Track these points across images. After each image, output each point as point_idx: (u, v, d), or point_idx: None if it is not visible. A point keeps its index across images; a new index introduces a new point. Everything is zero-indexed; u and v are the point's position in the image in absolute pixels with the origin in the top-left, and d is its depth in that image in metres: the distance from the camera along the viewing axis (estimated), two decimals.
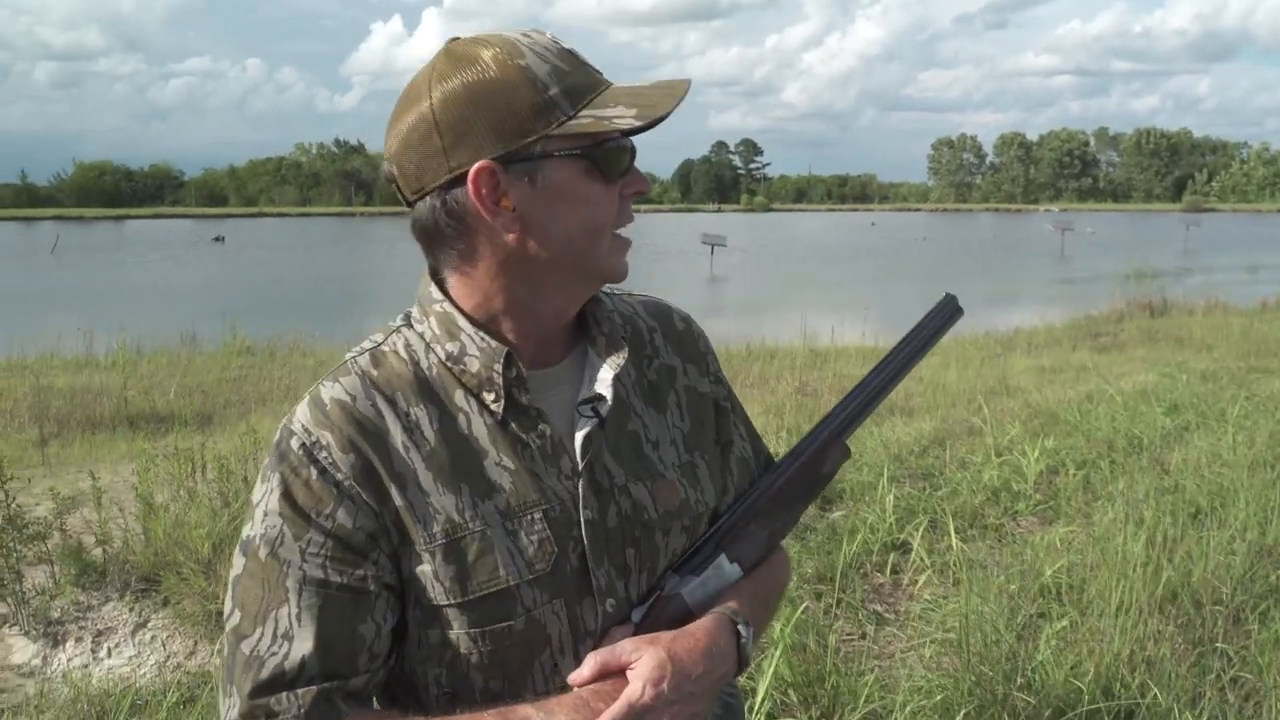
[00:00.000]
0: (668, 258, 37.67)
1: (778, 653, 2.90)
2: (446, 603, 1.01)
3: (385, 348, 1.09)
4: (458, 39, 1.06)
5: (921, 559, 4.10)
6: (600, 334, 1.14)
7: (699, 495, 1.16)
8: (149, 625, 3.99)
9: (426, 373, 1.07)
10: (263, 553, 1.00)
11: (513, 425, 1.06)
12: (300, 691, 0.97)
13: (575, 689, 1.01)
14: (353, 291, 26.18)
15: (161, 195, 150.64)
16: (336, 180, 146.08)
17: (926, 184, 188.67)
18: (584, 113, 1.01)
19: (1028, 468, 5.37)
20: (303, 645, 0.97)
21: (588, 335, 1.15)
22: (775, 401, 7.97)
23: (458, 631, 1.02)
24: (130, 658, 3.84)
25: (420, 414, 1.05)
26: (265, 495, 1.02)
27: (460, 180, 1.01)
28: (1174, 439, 6.20)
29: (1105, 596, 3.47)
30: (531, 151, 1.01)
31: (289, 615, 0.98)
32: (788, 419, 7.09)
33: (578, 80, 1.03)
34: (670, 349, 1.22)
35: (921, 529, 4.37)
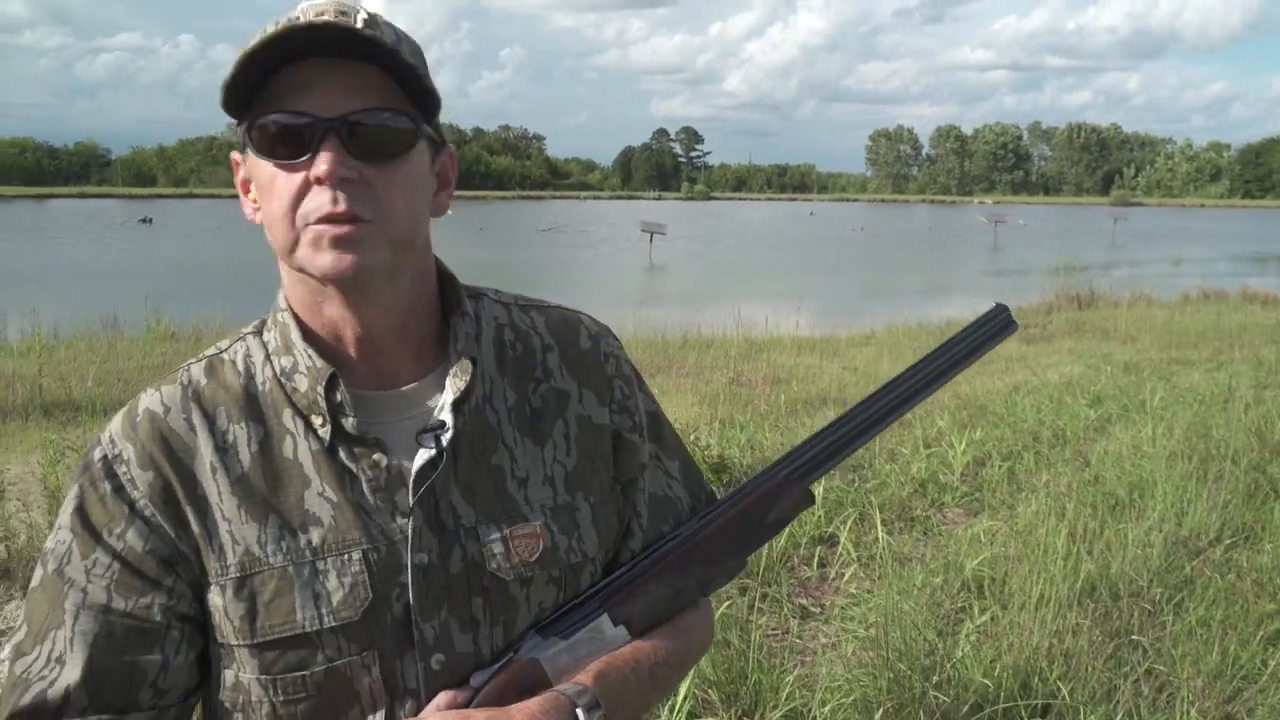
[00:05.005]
0: (606, 245, 37.55)
1: None
2: (236, 642, 0.92)
3: (226, 355, 1.01)
4: None
5: (848, 552, 4.11)
6: (455, 351, 1.00)
7: (573, 543, 1.00)
8: None
9: (259, 388, 0.97)
10: (50, 568, 0.93)
11: (341, 453, 0.95)
12: None
13: None
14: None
15: (87, 174, 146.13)
16: None
17: (864, 175, 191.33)
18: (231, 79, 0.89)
19: (955, 460, 5.44)
20: (71, 674, 0.89)
21: (446, 354, 1.01)
22: (710, 391, 7.97)
23: (249, 676, 0.92)
24: None
25: (239, 434, 0.95)
26: (64, 507, 0.94)
27: None
28: (1097, 430, 6.33)
29: (1026, 590, 3.51)
30: (245, 135, 0.93)
31: (64, 639, 0.90)
32: (720, 409, 7.09)
33: (258, 48, 0.88)
34: (566, 372, 1.06)
35: (850, 522, 4.38)
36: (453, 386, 0.97)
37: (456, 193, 1.06)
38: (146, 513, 0.92)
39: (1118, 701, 2.91)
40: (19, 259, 30.52)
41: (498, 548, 0.96)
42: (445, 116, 1.05)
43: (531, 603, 0.98)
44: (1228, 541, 4.19)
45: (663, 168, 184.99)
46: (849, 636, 3.32)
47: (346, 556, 0.93)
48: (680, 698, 2.66)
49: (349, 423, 0.94)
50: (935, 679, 2.81)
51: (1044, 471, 5.23)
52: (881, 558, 4.04)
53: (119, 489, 0.93)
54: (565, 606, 0.99)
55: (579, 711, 0.90)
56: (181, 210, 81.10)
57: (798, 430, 6.26)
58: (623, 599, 1.00)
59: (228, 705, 0.95)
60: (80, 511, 0.93)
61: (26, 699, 0.89)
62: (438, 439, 0.95)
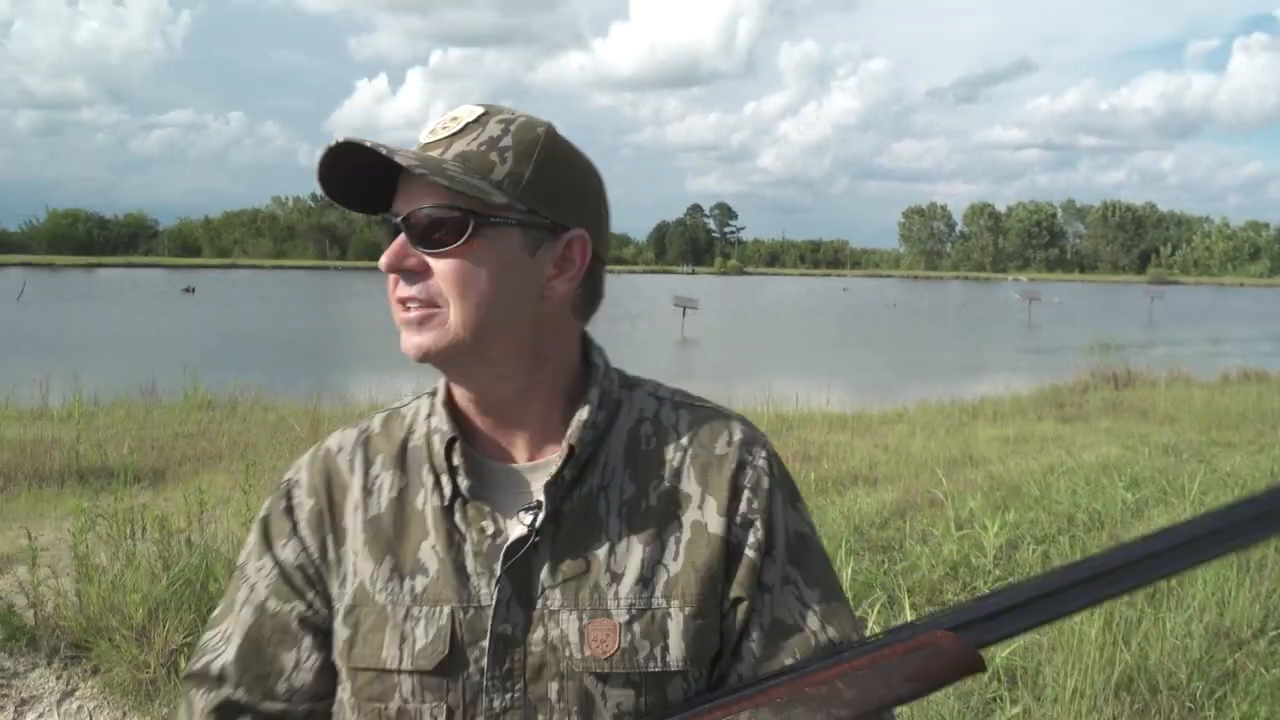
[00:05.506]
0: (639, 319, 37.80)
1: None
2: (341, 663, 1.03)
3: (403, 410, 1.13)
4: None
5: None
6: (565, 440, 1.02)
7: (655, 650, 0.97)
8: (76, 694, 3.83)
9: (412, 443, 1.08)
10: (240, 561, 1.10)
11: (456, 513, 1.02)
12: (213, 693, 1.04)
13: None
14: (320, 345, 26.01)
15: (135, 244, 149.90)
16: (311, 233, 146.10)
17: (898, 251, 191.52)
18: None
19: (988, 542, 5.33)
20: (230, 653, 1.05)
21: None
22: None
23: (347, 695, 1.02)
24: None
25: (386, 480, 1.06)
26: (258, 514, 1.10)
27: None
28: (1134, 514, 6.20)
29: (1060, 681, 3.41)
30: None
31: (232, 623, 1.06)
32: None
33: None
34: (693, 475, 1.04)
35: (878, 605, 4.30)
36: (544, 472, 1.02)
37: None
38: (303, 533, 1.07)
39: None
40: (66, 326, 31.21)
41: (574, 637, 0.97)
42: None
43: (609, 701, 0.97)
44: (1272, 633, 4.06)
45: (697, 243, 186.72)
46: None
47: (438, 610, 0.99)
48: None
49: (464, 485, 1.02)
50: None
51: (1079, 555, 5.12)
52: None
53: (289, 509, 1.09)
54: (647, 715, 0.97)
55: None
56: (224, 279, 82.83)
57: (828, 509, 6.19)
58: None
59: (337, 718, 1.05)
60: (264, 521, 1.09)
61: (199, 664, 1.06)
62: (534, 517, 1.00)
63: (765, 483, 1.05)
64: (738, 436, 1.07)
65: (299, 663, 1.04)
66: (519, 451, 1.05)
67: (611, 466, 1.04)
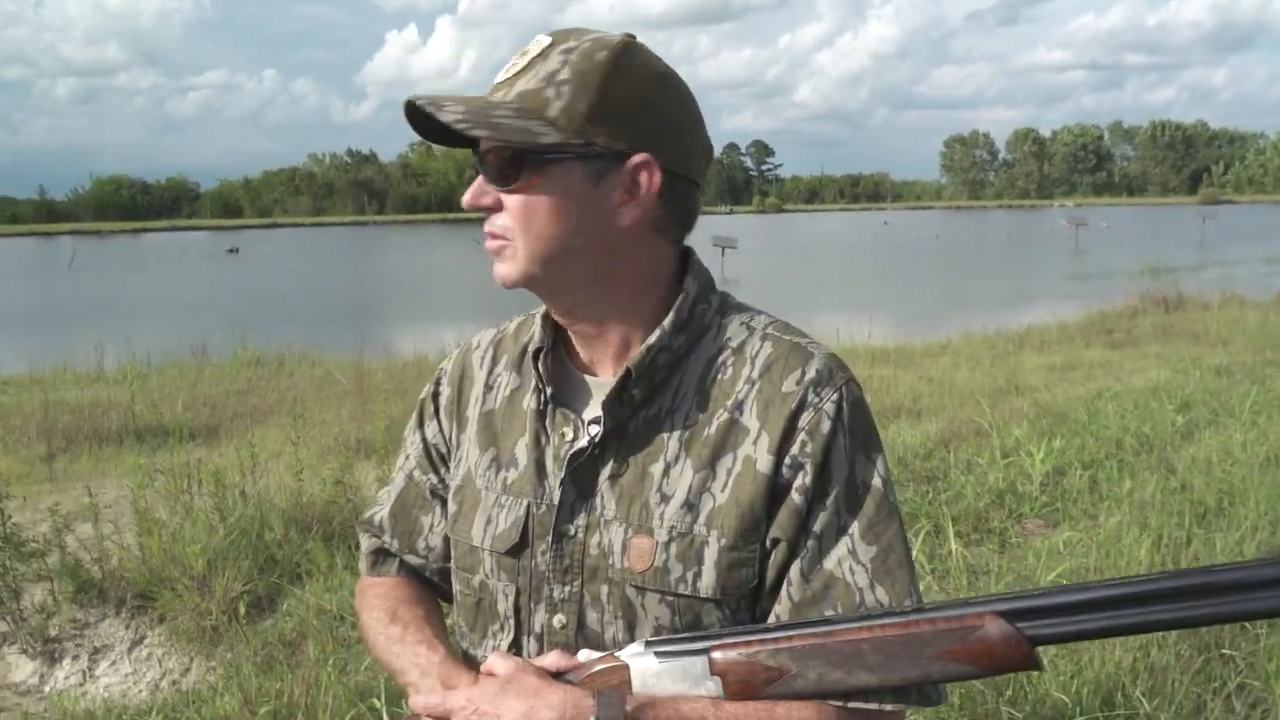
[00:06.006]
0: None
1: None
2: (448, 533, 1.18)
3: (536, 315, 1.18)
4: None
5: (921, 565, 4.03)
6: (630, 360, 1.05)
7: (688, 574, 1.00)
8: (145, 642, 3.98)
9: (531, 347, 1.13)
10: (404, 434, 1.26)
11: (547, 418, 1.10)
12: (372, 539, 1.25)
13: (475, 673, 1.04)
14: (361, 299, 26.24)
15: (178, 208, 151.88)
16: (350, 189, 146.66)
17: (940, 182, 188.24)
18: None
19: (1033, 469, 5.30)
20: (386, 510, 1.24)
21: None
22: None
23: (453, 561, 1.16)
24: (126, 675, 3.82)
25: (504, 379, 1.16)
26: (421, 395, 1.24)
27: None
28: (1184, 437, 6.11)
29: None
30: None
31: (392, 485, 1.25)
32: None
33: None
34: (755, 409, 1.03)
35: (923, 534, 4.30)
36: (607, 390, 1.05)
37: None
38: (440, 418, 1.21)
39: (1207, 717, 2.80)
40: (117, 291, 31.82)
41: (617, 548, 1.04)
42: None
43: (649, 613, 1.03)
44: None
45: (734, 182, 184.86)
46: None
47: (519, 502, 1.09)
48: None
49: (547, 392, 1.10)
50: (1009, 694, 2.74)
51: (1127, 480, 5.07)
52: (955, 570, 3.97)
53: (435, 395, 1.23)
54: (682, 634, 0.99)
55: (593, 716, 0.92)
56: (267, 239, 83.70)
57: None
58: (729, 653, 0.94)
59: (452, 577, 1.19)
60: (421, 402, 1.24)
61: (368, 514, 1.27)
62: (591, 431, 1.07)
63: (826, 426, 1.01)
64: (810, 376, 1.03)
65: (432, 526, 1.21)
66: (602, 366, 1.10)
67: (684, 391, 1.06)
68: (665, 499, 1.02)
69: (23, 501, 4.78)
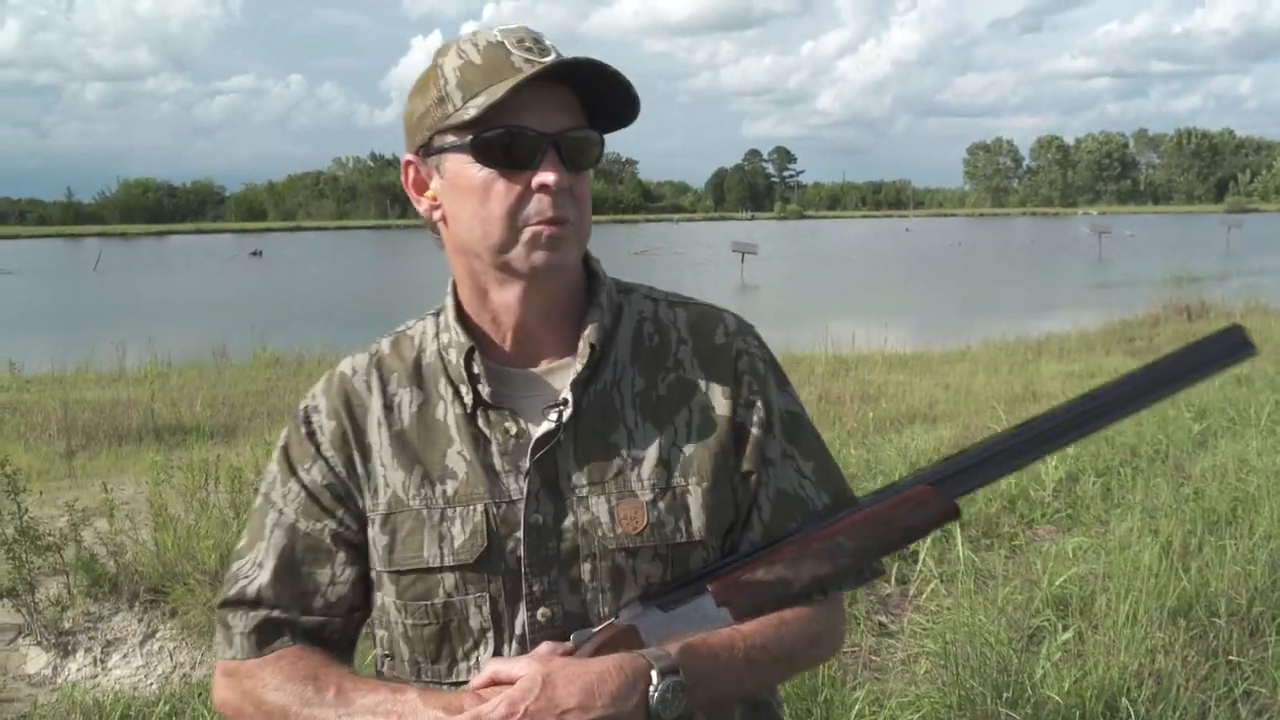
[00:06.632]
0: (698, 266, 37.62)
1: None
2: (380, 568, 1.09)
3: (409, 332, 1.19)
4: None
5: (929, 569, 4.03)
6: (584, 340, 1.11)
7: (680, 524, 1.06)
8: (157, 636, 4.02)
9: (425, 360, 1.14)
10: (262, 491, 1.15)
11: (479, 419, 1.09)
12: (251, 614, 1.09)
13: (467, 691, 1.00)
14: (381, 302, 26.38)
15: (203, 211, 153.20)
16: (373, 193, 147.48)
17: (962, 189, 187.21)
18: (471, 102, 1.03)
19: (1047, 475, 5.27)
20: (265, 576, 1.10)
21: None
22: None
23: (389, 598, 1.09)
24: (137, 668, 3.87)
25: (404, 396, 1.12)
26: (277, 444, 1.17)
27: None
28: (1199, 445, 6.06)
29: (1115, 608, 3.38)
30: (436, 144, 1.08)
31: (264, 548, 1.11)
32: None
33: (477, 73, 1.05)
34: (697, 365, 1.13)
35: (931, 538, 4.29)
36: (570, 371, 1.09)
37: None
38: (327, 454, 1.13)
39: None
40: (140, 293, 32.14)
41: (604, 517, 1.05)
42: None
43: (638, 575, 1.06)
44: None
45: (755, 188, 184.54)
46: (922, 653, 3.26)
47: (471, 508, 1.07)
48: None
49: (485, 391, 1.09)
50: (1007, 696, 2.73)
51: (1140, 487, 5.04)
52: (964, 574, 3.95)
53: (311, 434, 1.14)
54: (673, 583, 1.06)
55: (653, 674, 0.95)
56: (290, 242, 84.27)
57: (885, 448, 6.16)
58: (728, 583, 1.04)
59: (379, 624, 1.13)
60: (285, 449, 1.15)
61: (233, 591, 1.11)
62: (559, 414, 1.07)
63: (760, 367, 1.15)
64: (732, 327, 1.17)
65: (334, 577, 1.11)
66: (538, 357, 1.12)
67: (621, 364, 1.13)
68: (637, 462, 1.08)
69: (40, 496, 4.84)
